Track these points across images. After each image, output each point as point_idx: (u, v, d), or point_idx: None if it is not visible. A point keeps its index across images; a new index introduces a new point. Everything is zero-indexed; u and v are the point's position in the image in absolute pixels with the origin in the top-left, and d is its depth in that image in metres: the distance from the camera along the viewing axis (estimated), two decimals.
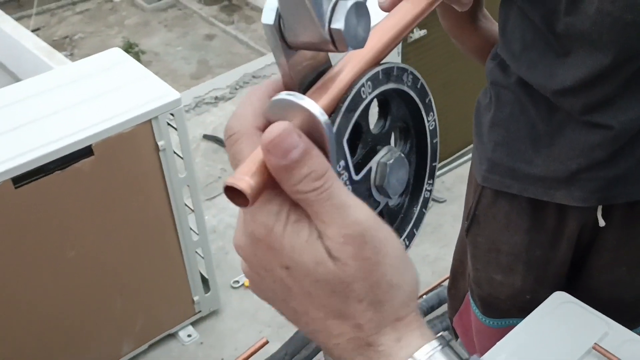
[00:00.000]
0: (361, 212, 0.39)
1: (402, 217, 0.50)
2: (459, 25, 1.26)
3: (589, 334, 1.22)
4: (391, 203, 0.50)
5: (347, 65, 0.43)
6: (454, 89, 2.77)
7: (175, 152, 2.01)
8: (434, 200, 2.82)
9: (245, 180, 0.37)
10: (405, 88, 0.47)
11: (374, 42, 0.45)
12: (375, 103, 0.46)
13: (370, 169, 0.45)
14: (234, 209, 2.76)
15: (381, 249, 0.39)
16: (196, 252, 2.26)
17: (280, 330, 2.34)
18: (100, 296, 2.08)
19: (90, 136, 1.79)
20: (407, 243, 0.51)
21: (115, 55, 2.10)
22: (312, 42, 0.39)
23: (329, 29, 0.38)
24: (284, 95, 0.39)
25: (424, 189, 0.51)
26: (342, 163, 0.42)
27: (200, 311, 2.36)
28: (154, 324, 2.27)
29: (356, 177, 0.44)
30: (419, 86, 0.48)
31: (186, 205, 2.13)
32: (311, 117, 0.38)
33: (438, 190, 2.88)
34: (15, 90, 2.00)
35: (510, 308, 1.32)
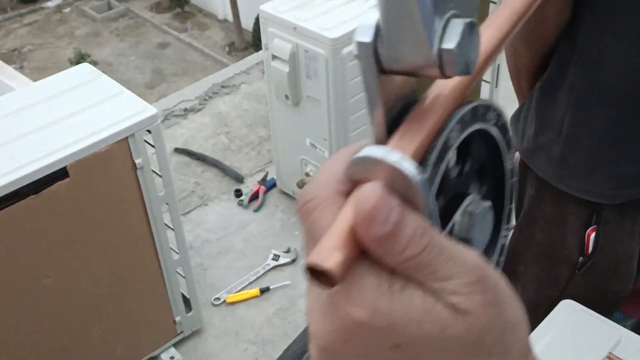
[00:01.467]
0: (473, 255, 0.34)
1: (485, 254, 0.45)
2: (531, 77, 1.23)
3: (602, 343, 1.20)
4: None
5: (436, 103, 0.37)
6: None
7: (152, 170, 1.94)
8: None
9: (330, 259, 0.32)
10: (490, 127, 0.42)
11: (456, 89, 0.39)
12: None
13: (453, 225, 0.40)
14: (210, 222, 2.70)
15: (500, 289, 0.35)
16: (177, 271, 2.19)
17: (265, 347, 2.28)
18: (79, 324, 1.99)
19: (64, 157, 1.71)
20: None
21: (86, 71, 2.02)
22: (415, 64, 0.34)
23: (439, 49, 0.33)
24: (370, 151, 0.34)
25: (501, 235, 0.45)
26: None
27: (182, 332, 2.28)
28: (134, 349, 2.19)
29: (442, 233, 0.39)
30: (500, 124, 0.43)
31: (165, 224, 2.05)
32: (404, 177, 0.33)
33: None
34: None
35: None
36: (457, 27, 0.33)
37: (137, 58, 18.86)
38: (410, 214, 0.33)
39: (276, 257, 2.58)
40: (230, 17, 18.15)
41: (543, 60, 1.23)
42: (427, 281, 0.33)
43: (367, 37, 0.34)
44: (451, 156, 0.38)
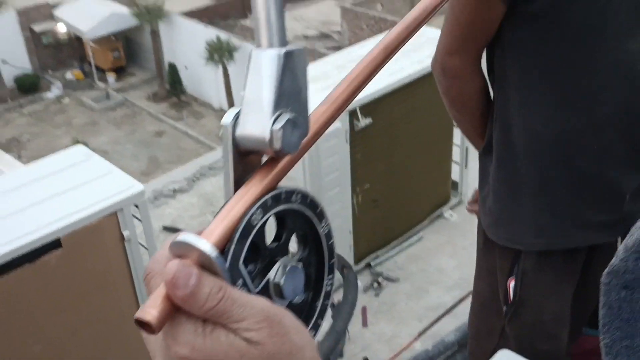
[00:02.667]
0: (260, 301, 0.48)
1: (307, 311, 0.57)
2: (473, 60, 1.36)
3: None
4: (295, 301, 0.57)
5: (243, 197, 0.50)
6: (397, 173, 2.96)
7: (140, 243, 2.09)
8: (387, 279, 2.94)
9: (150, 313, 0.44)
10: (295, 206, 0.54)
11: (275, 172, 0.52)
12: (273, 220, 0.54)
13: (268, 280, 0.52)
14: None
15: (284, 323, 0.48)
16: None
17: None
18: None
19: (59, 229, 1.87)
20: (314, 333, 0.57)
21: (80, 152, 2.21)
22: (255, 144, 0.49)
23: (270, 130, 0.48)
24: (183, 237, 0.46)
25: (325, 284, 0.58)
26: (240, 282, 0.49)
27: None
28: None
29: (255, 290, 0.51)
30: (308, 201, 0.55)
31: None
32: (204, 255, 0.46)
33: (391, 269, 3.00)
34: None
35: None
36: (284, 117, 0.49)
37: (133, 146, 19.27)
38: (208, 277, 0.46)
39: None
40: (225, 106, 18.72)
41: (482, 128, 1.43)
42: (227, 323, 0.47)
43: (228, 120, 0.49)
44: (262, 230, 0.50)
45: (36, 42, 21.69)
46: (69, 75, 21.92)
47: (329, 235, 0.56)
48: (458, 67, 1.34)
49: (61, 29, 21.78)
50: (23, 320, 1.92)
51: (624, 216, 1.33)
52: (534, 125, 1.31)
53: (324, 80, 2.76)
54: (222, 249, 0.47)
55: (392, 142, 2.86)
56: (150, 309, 0.44)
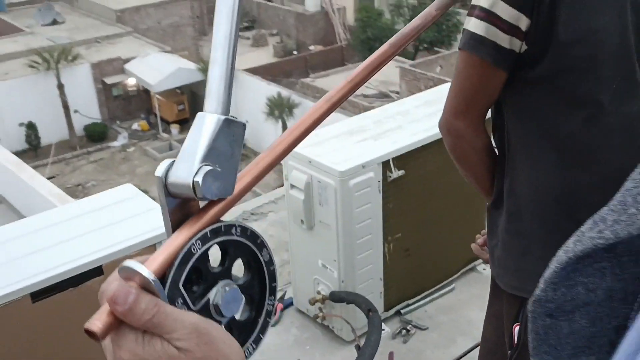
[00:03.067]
0: (191, 316, 0.58)
1: (250, 327, 0.65)
2: (477, 119, 1.47)
3: None
4: (239, 317, 0.64)
5: (185, 229, 0.59)
6: (430, 225, 3.04)
7: None
8: (416, 327, 3.00)
9: (95, 324, 0.55)
10: (235, 237, 0.62)
11: (209, 214, 0.62)
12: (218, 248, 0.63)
13: (208, 299, 0.61)
14: None
15: (212, 334, 0.58)
16: None
17: None
18: None
19: (100, 257, 2.04)
20: (254, 346, 0.65)
21: (128, 190, 2.40)
22: (182, 192, 0.59)
23: (192, 181, 0.57)
24: (127, 263, 0.57)
25: (266, 303, 0.66)
26: (180, 301, 0.58)
27: None
28: None
29: (195, 308, 0.60)
30: (248, 233, 0.63)
31: None
32: (144, 278, 0.56)
33: (421, 318, 3.06)
34: (37, 220, 2.28)
35: None
36: (206, 169, 0.58)
37: None
38: (145, 296, 0.56)
39: None
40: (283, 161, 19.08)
41: (487, 182, 1.54)
42: (161, 334, 0.56)
43: (159, 173, 0.58)
44: (205, 257, 0.60)
45: (107, 94, 22.70)
46: (135, 125, 22.79)
47: (269, 262, 0.65)
48: (462, 128, 1.45)
49: (131, 82, 22.76)
50: (65, 343, 2.07)
51: None
52: (539, 181, 1.40)
53: (361, 133, 2.90)
54: (163, 274, 0.57)
55: (425, 193, 2.95)
56: (96, 321, 0.55)
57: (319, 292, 2.88)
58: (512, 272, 1.49)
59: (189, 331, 0.55)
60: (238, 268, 0.64)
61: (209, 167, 0.58)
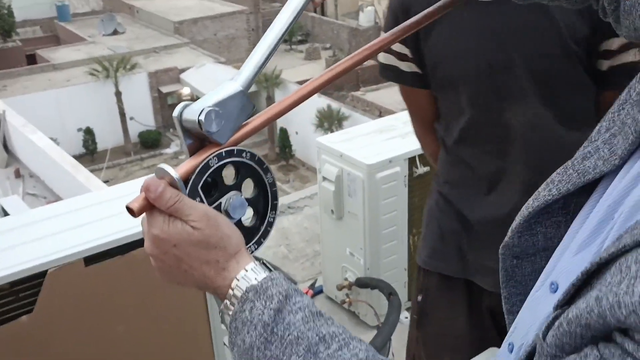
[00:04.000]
0: (203, 206, 0.78)
1: (254, 231, 0.84)
2: (424, 128, 1.71)
3: None
4: (247, 224, 0.83)
5: (205, 150, 0.78)
6: None
7: None
8: None
9: (133, 204, 0.76)
10: (245, 160, 0.81)
11: (235, 137, 0.80)
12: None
13: (220, 203, 0.80)
14: None
15: (218, 220, 0.77)
16: (224, 343, 2.65)
17: None
18: None
19: None
20: (256, 247, 0.84)
21: None
22: (193, 128, 0.79)
23: (199, 115, 0.76)
24: (161, 165, 0.79)
25: (268, 216, 0.85)
26: (197, 199, 0.77)
27: None
28: None
29: (209, 206, 0.79)
30: (256, 159, 0.82)
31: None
32: (171, 177, 0.76)
33: None
34: (91, 197, 2.55)
35: None
36: (209, 109, 0.77)
37: None
38: (171, 189, 0.76)
39: None
40: None
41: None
42: (181, 217, 0.77)
43: (175, 113, 0.80)
44: (220, 171, 0.79)
45: (162, 102, 23.37)
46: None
47: (272, 184, 0.84)
48: (418, 133, 1.74)
49: (185, 91, 23.38)
50: (111, 304, 2.32)
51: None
52: (439, 172, 1.65)
53: (390, 131, 3.11)
54: (187, 179, 0.78)
55: None
56: (134, 202, 0.77)
57: (346, 279, 3.08)
58: (420, 246, 1.72)
59: (201, 215, 0.76)
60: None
61: (212, 108, 0.77)
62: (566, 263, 0.63)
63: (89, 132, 22.02)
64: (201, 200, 0.79)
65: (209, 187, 0.80)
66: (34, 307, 2.17)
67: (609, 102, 1.44)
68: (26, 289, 2.16)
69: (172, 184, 0.77)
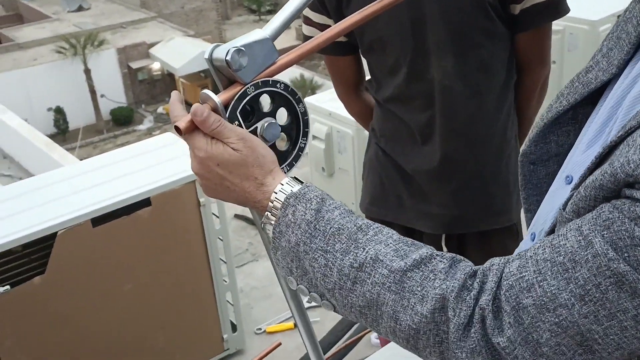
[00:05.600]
0: (241, 130, 0.87)
1: (287, 155, 0.92)
2: (347, 92, 1.82)
3: None
4: (281, 148, 0.90)
5: (240, 84, 0.87)
6: None
7: (213, 213, 2.56)
8: None
9: (181, 123, 0.85)
10: (279, 90, 0.89)
11: (267, 71, 0.89)
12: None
13: (256, 127, 0.88)
14: (259, 274, 3.28)
15: (255, 143, 0.87)
16: (227, 300, 2.76)
17: None
18: (148, 327, 2.57)
19: (149, 190, 2.37)
20: (288, 168, 0.91)
21: (169, 137, 2.72)
22: (222, 67, 0.87)
23: (225, 53, 0.84)
24: (206, 91, 0.87)
25: (300, 141, 0.93)
26: (236, 123, 0.86)
27: (228, 349, 2.82)
28: (189, 357, 2.73)
29: (246, 129, 0.88)
30: (290, 90, 0.89)
31: (220, 258, 2.65)
32: (214, 102, 0.87)
33: None
34: (93, 161, 2.62)
35: None
36: (235, 49, 0.86)
37: None
38: (214, 114, 0.86)
39: (310, 301, 3.10)
40: None
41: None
42: (222, 139, 0.86)
43: (206, 54, 0.89)
44: (257, 98, 0.88)
45: (132, 78, 23.10)
46: (160, 109, 23.16)
47: (304, 113, 0.93)
48: (342, 97, 1.85)
49: (155, 66, 23.14)
50: (118, 263, 2.41)
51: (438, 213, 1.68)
52: (374, 122, 1.75)
53: None
54: (227, 105, 0.86)
55: None
56: (182, 122, 0.86)
57: None
58: (362, 196, 1.86)
59: (239, 138, 0.85)
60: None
61: (238, 47, 0.85)
62: (578, 158, 0.74)
63: (59, 112, 21.75)
64: (239, 124, 0.87)
65: (247, 114, 0.89)
66: (45, 268, 2.25)
67: (523, 44, 1.60)
68: (38, 251, 2.24)
69: (214, 108, 0.86)
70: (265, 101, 0.91)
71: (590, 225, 0.64)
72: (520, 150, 0.86)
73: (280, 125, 0.90)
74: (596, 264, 0.63)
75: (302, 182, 0.85)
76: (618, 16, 1.48)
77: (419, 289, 0.72)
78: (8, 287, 2.19)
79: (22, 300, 2.24)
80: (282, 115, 0.93)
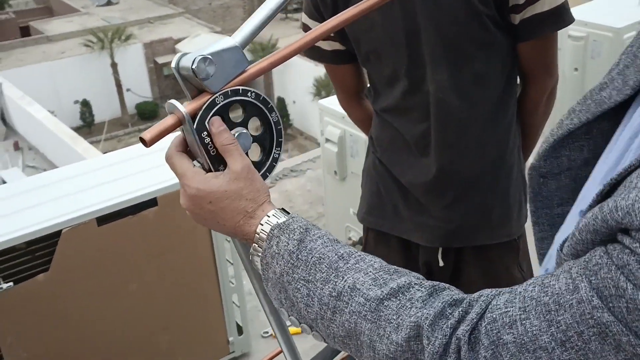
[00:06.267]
0: (248, 159, 0.85)
1: (261, 166, 0.90)
2: (348, 99, 1.79)
3: None
4: (254, 159, 0.88)
5: (209, 93, 0.83)
6: None
7: None
8: None
9: (146, 136, 0.81)
10: (250, 99, 0.86)
11: (237, 80, 0.84)
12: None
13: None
14: None
15: (255, 174, 0.85)
16: (233, 302, 2.73)
17: None
18: (152, 327, 2.55)
19: (156, 190, 2.35)
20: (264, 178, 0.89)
21: None
22: (188, 75, 0.84)
23: (193, 69, 0.81)
24: (172, 101, 0.83)
25: (273, 152, 0.91)
26: (205, 133, 0.82)
27: (233, 352, 2.79)
28: (193, 359, 2.71)
29: None
30: (261, 98, 0.87)
31: (227, 259, 2.63)
32: (180, 111, 0.83)
33: None
34: (100, 160, 2.60)
35: None
36: (202, 57, 0.82)
37: None
38: (229, 132, 0.83)
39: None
40: None
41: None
42: (228, 158, 0.83)
43: (173, 64, 0.85)
44: (227, 109, 0.84)
45: (158, 73, 23.27)
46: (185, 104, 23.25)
47: (277, 123, 0.91)
48: (343, 104, 1.82)
49: None
50: (123, 262, 2.40)
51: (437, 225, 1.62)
52: (372, 132, 1.70)
53: None
54: (196, 114, 0.83)
55: None
56: (147, 134, 0.82)
57: (349, 238, 3.16)
58: (360, 205, 1.81)
59: (244, 166, 0.84)
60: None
61: (204, 56, 0.80)
62: (591, 193, 0.70)
63: (85, 105, 21.97)
64: (208, 134, 0.84)
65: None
66: (49, 266, 2.24)
67: (526, 54, 1.53)
68: (42, 249, 2.23)
69: (181, 118, 0.82)
70: (237, 111, 0.88)
71: (579, 269, 0.61)
72: (529, 164, 0.82)
73: (252, 136, 0.88)
74: (580, 310, 0.59)
75: (289, 213, 0.84)
76: None
77: (394, 317, 0.70)
78: (11, 283, 2.18)
79: (26, 298, 2.23)
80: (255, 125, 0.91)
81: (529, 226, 1.71)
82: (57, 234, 2.22)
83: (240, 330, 2.80)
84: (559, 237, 0.78)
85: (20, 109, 11.58)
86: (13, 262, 2.18)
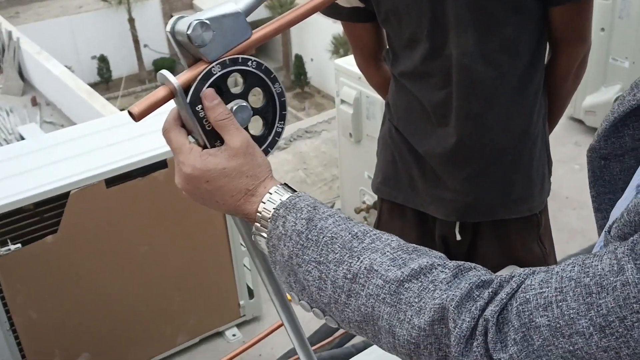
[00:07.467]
0: (246, 132, 0.79)
1: (263, 140, 0.84)
2: (365, 61, 1.70)
3: None
4: (256, 134, 0.83)
5: (205, 62, 0.77)
6: None
7: None
8: None
9: (134, 110, 0.76)
10: (250, 69, 0.79)
11: (238, 47, 0.77)
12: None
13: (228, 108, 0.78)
14: None
15: (255, 148, 0.79)
16: (244, 265, 2.70)
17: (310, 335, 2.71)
18: (163, 289, 2.53)
19: (166, 152, 2.30)
20: (265, 154, 0.83)
21: None
22: (183, 41, 0.76)
23: (188, 35, 0.74)
24: (163, 71, 0.77)
25: (276, 125, 0.85)
26: (199, 106, 0.76)
27: (244, 315, 2.77)
28: (205, 322, 2.70)
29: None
30: (263, 68, 0.80)
31: None
32: (171, 83, 0.76)
33: None
34: (110, 120, 2.55)
35: None
36: (198, 21, 0.74)
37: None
38: (224, 105, 0.76)
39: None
40: None
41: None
42: (224, 134, 0.77)
43: (168, 28, 0.77)
44: (225, 79, 0.77)
45: None
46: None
47: (281, 94, 0.84)
48: (361, 66, 1.74)
49: None
50: (135, 224, 2.36)
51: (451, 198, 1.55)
52: (394, 101, 1.60)
53: None
54: (190, 85, 0.76)
55: None
56: (135, 108, 0.77)
57: (364, 202, 3.10)
58: (374, 174, 1.74)
59: (243, 140, 0.78)
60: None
61: (201, 20, 0.73)
62: None
63: (103, 60, 21.88)
64: (202, 109, 0.77)
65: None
66: (58, 227, 2.21)
67: (558, 19, 1.41)
68: (50, 210, 2.19)
69: (173, 90, 0.76)
70: (238, 81, 0.82)
71: (626, 249, 0.56)
72: (589, 145, 0.75)
73: (254, 108, 0.81)
74: (624, 293, 0.54)
75: (293, 190, 0.78)
76: None
77: (416, 299, 0.65)
78: (19, 245, 2.15)
79: (34, 259, 2.21)
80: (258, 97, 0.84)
81: (551, 200, 1.65)
82: (66, 195, 2.18)
83: (251, 294, 2.77)
84: (614, 214, 0.71)
85: (38, 64, 11.52)
86: (21, 224, 2.16)
